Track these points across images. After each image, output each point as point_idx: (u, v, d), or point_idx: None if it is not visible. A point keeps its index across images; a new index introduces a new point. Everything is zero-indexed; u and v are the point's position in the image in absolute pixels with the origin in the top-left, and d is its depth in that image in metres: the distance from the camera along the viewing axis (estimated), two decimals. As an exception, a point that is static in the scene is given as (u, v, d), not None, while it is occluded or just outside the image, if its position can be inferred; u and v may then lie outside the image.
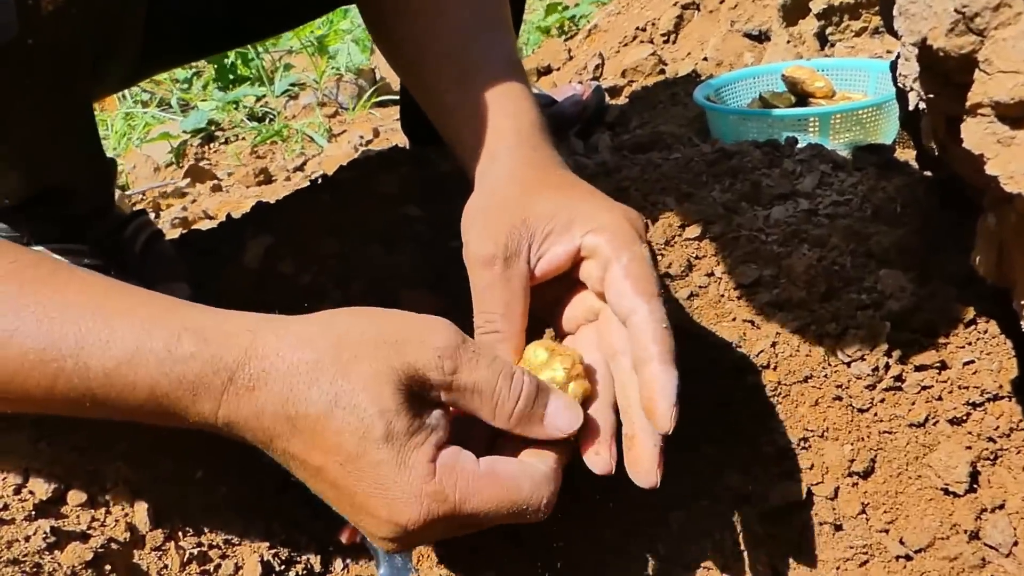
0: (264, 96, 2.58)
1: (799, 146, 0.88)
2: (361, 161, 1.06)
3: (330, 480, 0.45)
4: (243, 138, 2.35)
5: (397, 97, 2.52)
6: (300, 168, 2.02)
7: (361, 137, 2.12)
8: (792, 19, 1.34)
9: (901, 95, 0.55)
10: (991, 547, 0.59)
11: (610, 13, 2.11)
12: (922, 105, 0.43)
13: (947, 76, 0.33)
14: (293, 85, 2.60)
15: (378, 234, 0.88)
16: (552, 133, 0.66)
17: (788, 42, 1.34)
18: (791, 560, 0.62)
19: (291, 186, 1.88)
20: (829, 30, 1.30)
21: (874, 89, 1.18)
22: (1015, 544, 0.58)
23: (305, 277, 0.83)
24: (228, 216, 0.96)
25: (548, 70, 2.02)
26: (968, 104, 0.32)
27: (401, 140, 1.96)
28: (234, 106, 2.52)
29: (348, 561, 0.63)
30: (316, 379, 0.44)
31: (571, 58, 2.04)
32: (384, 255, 0.85)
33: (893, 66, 0.79)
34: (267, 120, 2.44)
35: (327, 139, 2.21)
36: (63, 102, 0.63)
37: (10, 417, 0.66)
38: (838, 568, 0.61)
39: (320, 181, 1.02)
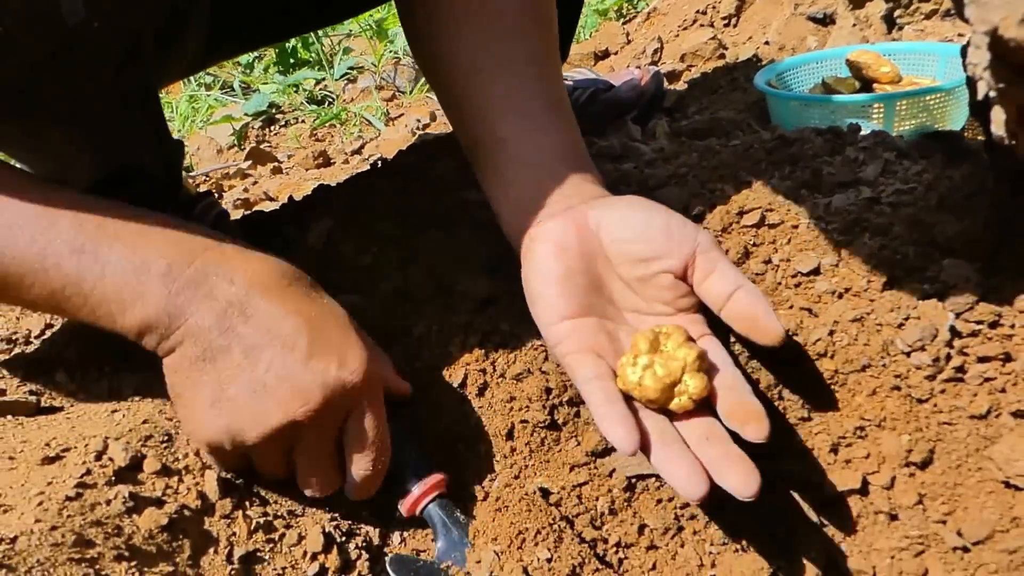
0: (324, 79, 2.62)
1: (862, 133, 0.86)
2: (419, 146, 1.08)
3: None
4: (303, 121, 2.39)
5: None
6: (358, 151, 2.05)
7: (418, 121, 2.14)
8: (859, 1, 1.31)
9: (970, 82, 0.53)
10: (1053, 543, 0.58)
11: (669, -5, 2.09)
12: (992, 94, 0.42)
13: (1020, 67, 0.33)
14: (352, 69, 2.64)
15: (437, 218, 0.89)
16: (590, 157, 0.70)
17: (854, 25, 1.31)
18: (845, 548, 0.62)
19: (349, 169, 1.91)
20: (897, 12, 1.26)
21: (943, 74, 1.14)
22: (1078, 541, 0.57)
23: (365, 258, 0.85)
24: (290, 198, 0.99)
25: (606, 54, 2.01)
26: (1040, 93, 0.32)
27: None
28: (294, 89, 2.57)
29: (406, 534, 0.65)
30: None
31: (629, 42, 2.02)
32: (443, 239, 0.87)
33: (963, 51, 0.77)
34: (326, 103, 2.49)
35: (384, 122, 2.24)
36: (130, 85, 0.65)
37: (89, 389, 0.70)
38: (893, 558, 0.61)
39: (379, 165, 1.04)
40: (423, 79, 2.39)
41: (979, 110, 0.67)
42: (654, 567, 0.62)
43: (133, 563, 0.50)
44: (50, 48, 0.53)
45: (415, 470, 0.63)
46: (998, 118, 0.51)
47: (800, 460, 0.65)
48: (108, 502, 0.53)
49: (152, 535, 0.53)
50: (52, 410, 0.67)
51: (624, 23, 2.24)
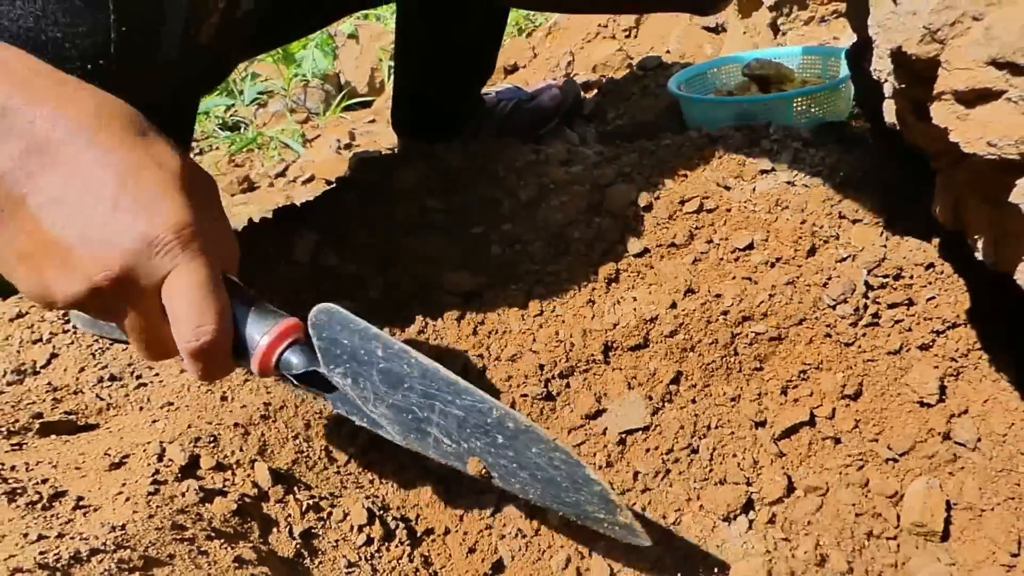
0: (234, 105, 2.63)
1: (772, 128, 1.00)
2: (376, 160, 1.16)
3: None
4: (218, 148, 2.40)
5: (365, 100, 2.60)
6: (282, 174, 2.09)
7: (338, 140, 2.20)
8: (747, 11, 1.47)
9: (865, 82, 0.67)
10: (960, 444, 0.72)
11: (568, 10, 2.22)
12: (891, 91, 0.55)
13: (917, 73, 0.46)
14: (261, 93, 2.66)
15: (404, 225, 0.98)
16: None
17: (744, 33, 1.47)
18: (802, 470, 0.75)
19: (276, 191, 1.95)
20: (780, 20, 1.43)
21: (825, 72, 1.31)
22: (979, 440, 0.72)
23: (350, 267, 0.93)
24: (262, 218, 1.05)
25: (515, 68, 2.13)
26: (935, 92, 0.44)
27: (382, 142, 2.05)
28: (204, 116, 2.57)
29: (428, 499, 0.74)
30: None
31: (535, 55, 2.15)
32: (414, 243, 0.95)
33: (847, 53, 0.93)
34: (239, 129, 2.50)
35: (302, 144, 2.28)
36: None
37: (118, 405, 0.75)
38: (840, 473, 0.74)
39: (342, 183, 1.12)
40: (335, 100, 2.45)
41: (869, 103, 0.82)
42: (650, 503, 0.73)
43: (220, 541, 0.57)
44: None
45: (257, 328, 0.53)
46: (891, 110, 0.65)
47: (757, 403, 0.78)
48: (183, 494, 0.60)
49: (227, 519, 0.60)
50: (90, 427, 0.72)
51: (526, 37, 2.37)
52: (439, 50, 1.26)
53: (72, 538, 0.50)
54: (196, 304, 0.48)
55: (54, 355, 0.86)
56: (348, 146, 2.18)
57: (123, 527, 0.53)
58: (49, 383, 0.78)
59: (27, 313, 0.90)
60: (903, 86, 0.51)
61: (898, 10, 0.45)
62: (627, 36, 1.87)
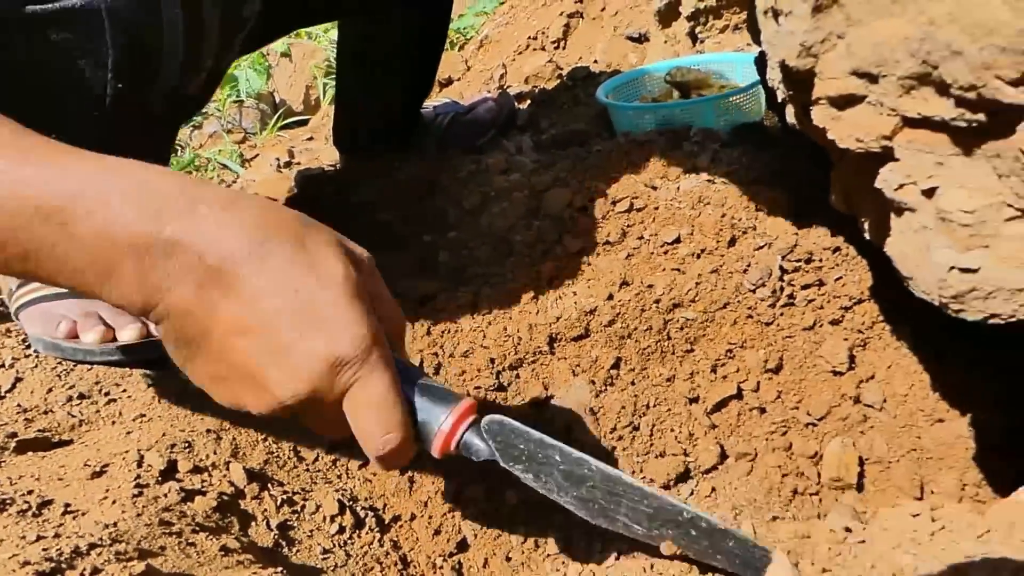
0: (170, 129, 2.62)
1: (693, 131, 1.09)
2: (324, 177, 1.21)
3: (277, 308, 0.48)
4: (156, 172, 2.40)
5: (302, 119, 2.63)
6: (224, 194, 2.10)
7: (278, 159, 2.22)
8: (667, 21, 1.57)
9: (770, 90, 0.76)
10: (869, 406, 0.81)
11: (498, 24, 2.30)
12: (784, 97, 0.63)
13: (800, 81, 0.53)
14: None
15: (359, 237, 1.03)
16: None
17: (665, 42, 1.57)
18: (732, 439, 0.83)
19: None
20: (698, 29, 1.53)
21: (741, 77, 1.41)
22: (884, 402, 0.81)
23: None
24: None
25: (449, 81, 2.19)
26: (813, 97, 0.52)
27: (323, 159, 2.09)
28: (142, 142, 2.55)
29: (397, 494, 0.79)
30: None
31: (469, 68, 2.21)
32: (373, 253, 1.00)
33: (757, 60, 1.02)
34: (176, 152, 2.50)
35: (241, 164, 2.30)
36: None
37: (91, 422, 0.79)
38: (766, 440, 0.82)
39: (289, 201, 1.16)
40: (271, 120, 2.47)
41: (776, 107, 0.91)
42: (598, 478, 0.79)
43: (206, 533, 0.61)
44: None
45: (433, 414, 0.55)
46: (790, 112, 0.74)
47: (690, 381, 0.85)
48: (165, 495, 0.64)
49: (208, 515, 0.64)
50: (64, 443, 0.75)
51: (459, 50, 2.44)
52: (381, 69, 1.31)
53: (69, 537, 0.54)
54: (379, 417, 0.51)
55: (19, 379, 0.88)
56: (288, 164, 2.21)
57: (115, 524, 0.57)
58: (19, 405, 0.81)
59: (-12, 340, 0.92)
60: (791, 93, 0.59)
61: (780, 29, 0.53)
62: (556, 47, 1.95)
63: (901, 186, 0.47)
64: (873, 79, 0.45)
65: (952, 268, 0.43)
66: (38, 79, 0.57)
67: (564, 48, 1.94)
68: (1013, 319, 0.42)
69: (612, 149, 1.06)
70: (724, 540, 0.59)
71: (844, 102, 0.49)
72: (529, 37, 2.02)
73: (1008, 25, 0.35)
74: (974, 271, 0.42)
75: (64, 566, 0.49)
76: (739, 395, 0.84)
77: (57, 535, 0.55)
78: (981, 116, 0.40)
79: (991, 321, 0.43)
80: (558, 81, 1.78)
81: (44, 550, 0.51)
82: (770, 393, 0.84)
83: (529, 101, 1.77)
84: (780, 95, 0.63)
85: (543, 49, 1.97)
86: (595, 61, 1.78)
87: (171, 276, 0.48)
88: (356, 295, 0.51)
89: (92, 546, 0.53)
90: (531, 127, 1.63)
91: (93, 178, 0.48)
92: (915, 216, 0.47)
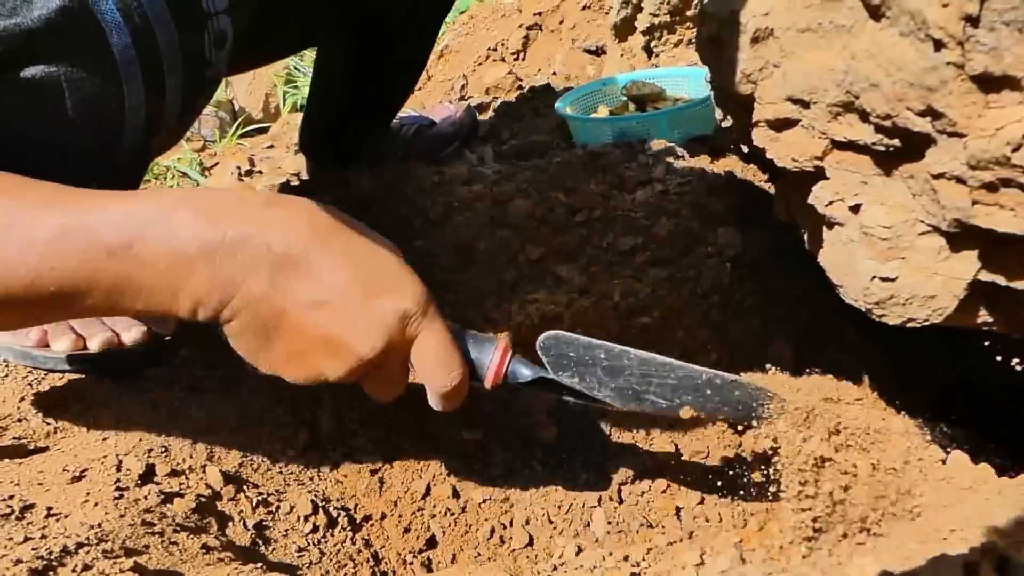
0: (129, 137, 2.61)
1: (648, 143, 1.14)
2: (288, 188, 1.23)
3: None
4: (115, 180, 2.38)
5: (262, 126, 2.63)
6: (186, 203, 2.10)
7: (238, 167, 2.22)
8: (623, 36, 1.62)
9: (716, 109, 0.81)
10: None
11: (458, 34, 2.34)
12: (731, 119, 0.68)
13: (742, 105, 0.58)
14: (156, 123, 2.65)
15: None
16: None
17: (622, 55, 1.62)
18: (686, 438, 0.88)
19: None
20: (653, 44, 1.59)
21: (694, 91, 1.47)
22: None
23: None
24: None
25: (412, 91, 2.22)
26: (753, 120, 0.57)
27: (284, 167, 2.10)
28: (101, 150, 2.53)
29: (367, 496, 0.82)
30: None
31: (430, 78, 2.25)
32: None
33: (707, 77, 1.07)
34: (136, 160, 2.49)
35: (201, 173, 2.30)
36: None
37: (66, 430, 0.81)
38: (718, 439, 0.87)
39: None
40: (231, 127, 2.47)
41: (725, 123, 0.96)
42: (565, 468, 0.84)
43: (187, 533, 0.64)
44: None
45: (481, 352, 0.65)
46: (734, 132, 0.79)
47: (646, 383, 0.90)
48: (145, 497, 0.67)
49: (188, 516, 0.67)
50: (41, 450, 0.77)
51: (421, 61, 2.47)
52: (362, 84, 1.34)
53: (55, 537, 0.57)
54: (444, 358, 0.60)
55: (-10, 388, 0.89)
56: (249, 172, 2.21)
57: (99, 525, 0.59)
58: (-6, 413, 0.82)
59: (-42, 351, 0.93)
60: (735, 115, 0.64)
61: (723, 56, 0.58)
62: (515, 59, 2.00)
63: (831, 202, 0.52)
64: (805, 105, 0.51)
65: (874, 277, 0.48)
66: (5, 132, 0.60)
67: (524, 60, 1.99)
68: (927, 323, 0.47)
69: (571, 160, 1.11)
70: (732, 392, 0.68)
71: (781, 125, 0.54)
72: (489, 48, 2.07)
73: (915, 63, 0.40)
74: (893, 280, 0.47)
75: (56, 564, 0.52)
76: (692, 395, 0.89)
77: (43, 536, 0.57)
78: (896, 141, 0.45)
79: (909, 324, 0.48)
80: (518, 92, 1.83)
81: (34, 549, 0.53)
82: (721, 392, 0.89)
83: (491, 112, 1.81)
84: (725, 117, 0.68)
85: (503, 60, 2.02)
86: (554, 73, 1.83)
87: (243, 269, 0.54)
88: (401, 259, 0.60)
89: (80, 545, 0.55)
90: (492, 138, 1.68)
91: (146, 211, 0.54)
92: (843, 230, 0.52)
